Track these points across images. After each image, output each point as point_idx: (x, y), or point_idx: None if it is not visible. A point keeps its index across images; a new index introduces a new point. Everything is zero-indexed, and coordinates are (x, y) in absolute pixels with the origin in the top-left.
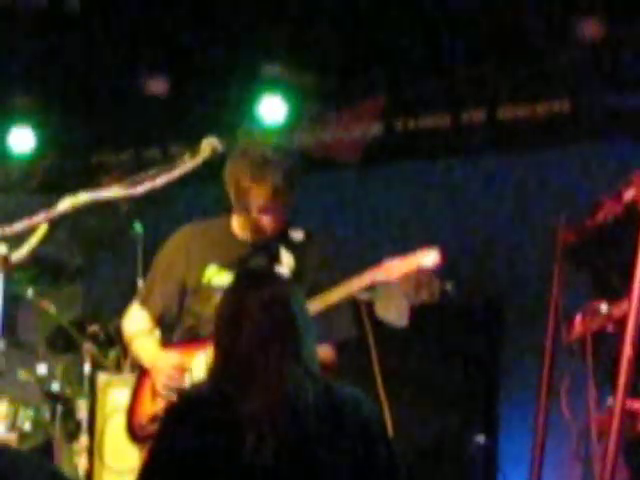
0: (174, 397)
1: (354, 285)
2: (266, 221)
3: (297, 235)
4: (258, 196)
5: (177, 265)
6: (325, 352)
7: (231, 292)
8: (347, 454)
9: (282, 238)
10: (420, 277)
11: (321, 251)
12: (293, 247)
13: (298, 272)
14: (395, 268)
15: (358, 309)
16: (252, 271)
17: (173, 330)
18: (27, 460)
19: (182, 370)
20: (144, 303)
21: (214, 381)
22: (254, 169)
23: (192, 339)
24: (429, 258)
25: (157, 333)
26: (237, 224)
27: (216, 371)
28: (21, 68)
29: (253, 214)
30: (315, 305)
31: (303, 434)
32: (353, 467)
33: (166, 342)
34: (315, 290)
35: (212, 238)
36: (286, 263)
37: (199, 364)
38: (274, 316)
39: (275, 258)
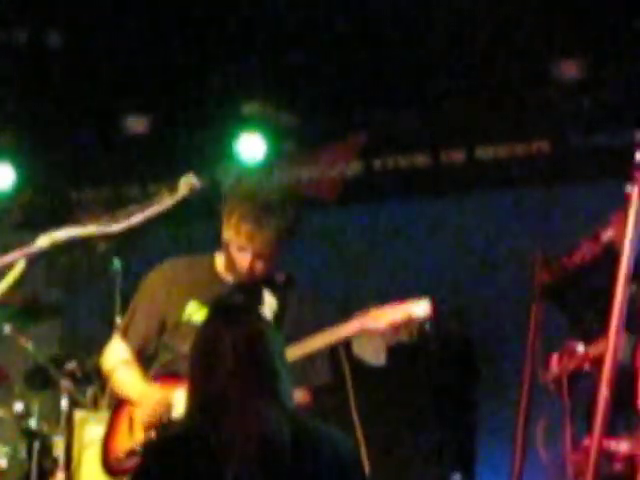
0: (154, 433)
1: (342, 331)
2: (259, 266)
3: (280, 277)
4: (258, 243)
5: (158, 299)
6: (300, 395)
7: (205, 328)
8: None
9: (266, 280)
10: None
11: (303, 293)
12: (276, 289)
13: (281, 313)
14: (386, 316)
15: (335, 347)
16: (226, 306)
17: (149, 364)
18: None
19: (166, 405)
20: (124, 336)
21: (191, 418)
22: (258, 215)
23: (171, 375)
24: (421, 309)
25: (137, 366)
26: (222, 263)
27: (192, 407)
28: (1, 104)
29: (248, 258)
30: (301, 349)
31: (280, 471)
32: None
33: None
34: (298, 330)
35: (195, 275)
36: (268, 304)
37: (179, 400)
38: (249, 352)
39: (258, 299)
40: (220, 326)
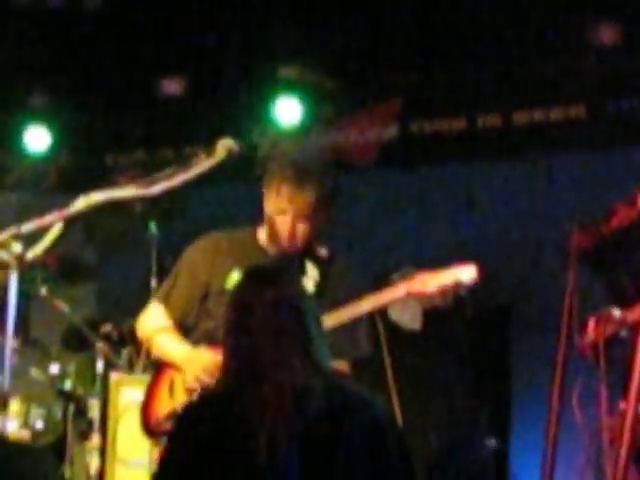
0: (196, 395)
1: (389, 295)
2: (301, 229)
3: (322, 251)
4: (299, 203)
5: (201, 268)
6: (339, 365)
7: (237, 291)
8: (359, 452)
9: (308, 253)
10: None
11: (346, 269)
12: (319, 262)
13: (322, 286)
14: (432, 281)
15: (372, 312)
16: (258, 269)
17: (189, 333)
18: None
19: (216, 367)
20: (164, 302)
21: (226, 381)
22: (298, 177)
23: (212, 344)
24: (467, 274)
25: (178, 332)
26: (264, 235)
27: (227, 371)
28: (37, 67)
29: (289, 220)
30: (346, 314)
31: (314, 433)
32: (365, 466)
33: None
34: (340, 301)
35: (238, 246)
36: (311, 276)
37: None
38: (281, 313)
39: (301, 270)
40: (251, 289)
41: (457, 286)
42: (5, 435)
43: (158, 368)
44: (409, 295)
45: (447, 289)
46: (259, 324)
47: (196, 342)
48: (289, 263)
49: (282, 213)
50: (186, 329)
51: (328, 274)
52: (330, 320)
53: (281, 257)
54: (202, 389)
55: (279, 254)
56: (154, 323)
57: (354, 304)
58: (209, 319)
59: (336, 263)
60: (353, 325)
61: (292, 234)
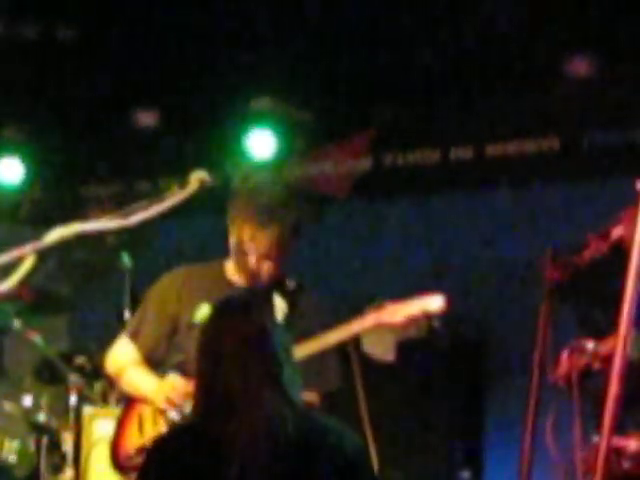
0: (164, 429)
1: (357, 326)
2: (265, 267)
3: (291, 284)
4: (261, 243)
5: (169, 303)
6: (310, 397)
7: (208, 323)
8: None
9: (277, 285)
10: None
11: (314, 300)
12: (287, 294)
13: (291, 318)
14: (401, 310)
15: (345, 344)
16: (227, 301)
17: (158, 367)
18: None
19: (186, 390)
20: (133, 338)
21: (197, 414)
22: (261, 215)
23: (182, 376)
24: (435, 303)
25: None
26: (232, 269)
27: (198, 403)
28: (10, 98)
29: (252, 259)
30: (316, 344)
31: (285, 465)
32: None
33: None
34: (308, 334)
35: (206, 280)
36: (279, 308)
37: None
38: (250, 345)
39: (268, 302)
40: (222, 321)
41: (425, 315)
42: None
43: (127, 403)
44: (378, 326)
45: (415, 319)
46: (229, 356)
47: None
48: (258, 295)
49: (245, 252)
50: (155, 363)
51: (296, 306)
52: (299, 351)
53: (250, 290)
54: (174, 414)
55: (247, 287)
56: (124, 359)
57: (323, 335)
58: (178, 353)
59: (305, 296)
60: (322, 358)
61: (256, 273)
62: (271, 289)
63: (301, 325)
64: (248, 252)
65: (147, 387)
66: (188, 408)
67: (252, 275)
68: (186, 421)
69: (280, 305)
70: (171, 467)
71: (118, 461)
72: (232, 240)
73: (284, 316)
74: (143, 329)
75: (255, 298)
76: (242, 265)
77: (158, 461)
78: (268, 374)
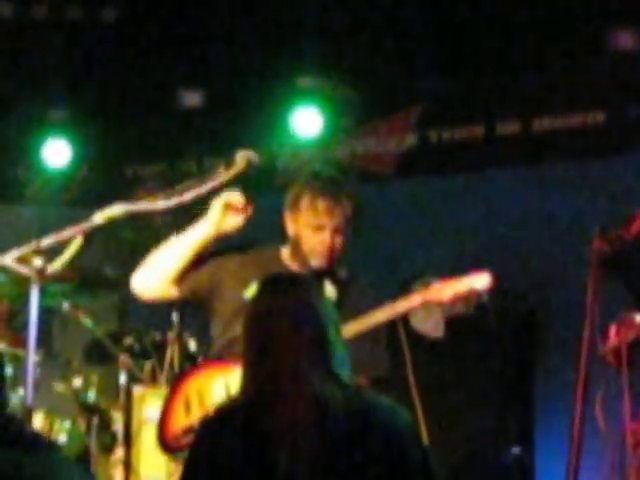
0: (211, 410)
1: (404, 305)
2: (339, 242)
3: (342, 274)
4: (337, 217)
5: (224, 270)
6: (358, 380)
7: (256, 299)
8: (381, 464)
9: (328, 273)
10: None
11: (366, 290)
12: (338, 282)
13: (340, 303)
14: (447, 289)
15: (394, 321)
16: (275, 277)
17: (210, 344)
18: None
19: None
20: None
21: (245, 395)
22: (334, 190)
23: (235, 354)
24: (481, 281)
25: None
26: (288, 255)
27: (246, 384)
28: (57, 81)
29: (327, 234)
30: (364, 322)
31: (335, 448)
32: (388, 477)
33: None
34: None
35: (262, 263)
36: (329, 295)
37: (235, 378)
38: (300, 322)
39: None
40: (270, 298)
41: (472, 294)
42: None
43: (173, 384)
44: (424, 304)
45: (462, 297)
46: (277, 334)
47: (219, 351)
48: (307, 276)
49: (319, 229)
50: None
51: (346, 296)
52: (346, 331)
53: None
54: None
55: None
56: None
57: (371, 314)
58: (231, 329)
59: (355, 285)
60: (372, 343)
61: (331, 249)
62: (323, 275)
63: (350, 315)
64: (324, 228)
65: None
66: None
67: (328, 251)
68: (234, 401)
69: (330, 290)
70: (219, 448)
71: (165, 442)
72: (298, 221)
73: (333, 301)
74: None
75: (305, 276)
76: (311, 246)
77: (206, 442)
78: (317, 353)
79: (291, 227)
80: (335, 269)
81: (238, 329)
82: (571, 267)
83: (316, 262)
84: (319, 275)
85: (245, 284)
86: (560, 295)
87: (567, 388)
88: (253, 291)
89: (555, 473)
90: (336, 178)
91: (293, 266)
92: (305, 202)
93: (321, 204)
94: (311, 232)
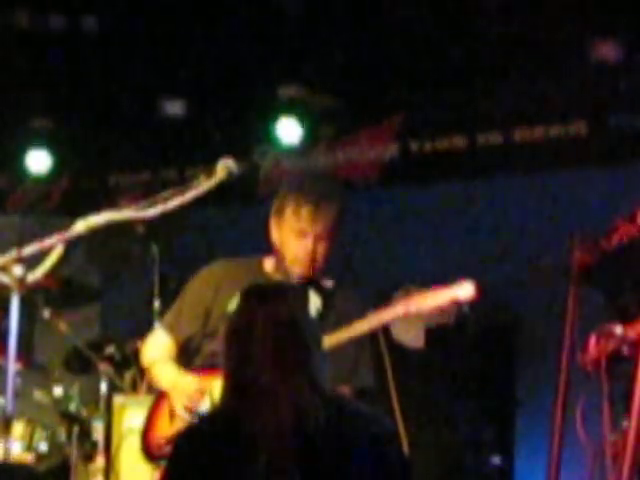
0: (192, 419)
1: (386, 315)
2: (321, 249)
3: (327, 283)
4: (321, 223)
5: (205, 296)
6: (342, 390)
7: (238, 307)
8: (361, 471)
9: (312, 282)
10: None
11: (351, 300)
12: (322, 292)
13: (325, 312)
14: (429, 299)
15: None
16: (256, 287)
17: (193, 357)
18: None
19: (201, 392)
20: (169, 330)
21: (225, 403)
22: (317, 197)
23: (213, 365)
24: (465, 291)
25: (176, 361)
26: (270, 265)
27: (226, 392)
28: (38, 90)
29: (309, 242)
30: (345, 333)
31: (314, 454)
32: None
33: (187, 368)
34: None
35: (243, 275)
36: (313, 305)
37: (218, 386)
38: (279, 331)
39: (303, 297)
40: (252, 306)
41: (455, 304)
42: (8, 458)
43: (159, 393)
44: (407, 314)
45: (445, 307)
46: (258, 342)
47: (200, 365)
48: (289, 285)
49: (302, 236)
50: (190, 354)
51: (331, 305)
52: (329, 341)
53: (282, 280)
54: (190, 415)
55: (283, 280)
56: (155, 352)
57: (353, 324)
58: (212, 342)
59: (340, 294)
60: (356, 354)
61: (314, 256)
62: (307, 285)
63: (334, 324)
64: (306, 234)
65: (167, 383)
66: (205, 406)
67: (310, 258)
68: (215, 408)
69: (315, 302)
70: (200, 456)
71: (149, 450)
72: (283, 228)
73: (318, 313)
74: (179, 322)
75: (286, 285)
76: (294, 253)
77: (187, 450)
78: (297, 361)
79: (275, 234)
80: (319, 278)
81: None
82: (551, 278)
83: (299, 270)
84: (303, 284)
85: (227, 299)
86: (541, 305)
87: (547, 398)
88: (234, 302)
89: None
90: (321, 185)
91: (276, 276)
92: (289, 208)
93: (305, 210)
94: (294, 238)
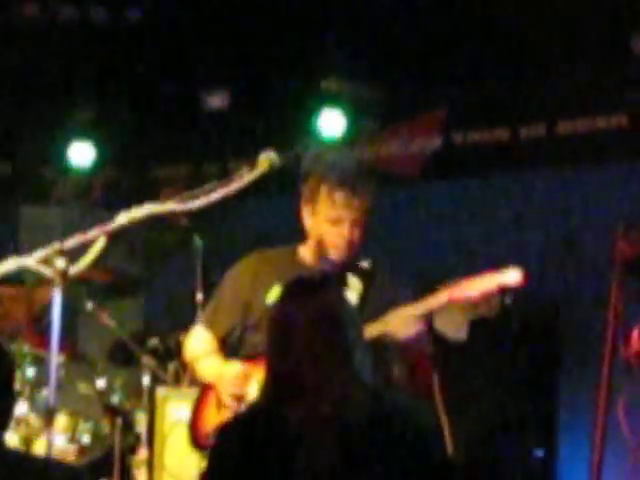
0: (240, 408)
1: (432, 302)
2: (357, 235)
3: (365, 264)
4: (356, 209)
5: (243, 289)
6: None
7: (279, 304)
8: (401, 466)
9: (351, 266)
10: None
11: (390, 278)
12: (361, 275)
13: (366, 298)
14: (475, 286)
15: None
16: (298, 282)
17: (235, 351)
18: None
19: (248, 378)
20: (209, 325)
21: (266, 396)
22: (352, 182)
23: (257, 354)
24: (511, 277)
25: (220, 354)
26: (306, 252)
27: (267, 386)
28: (81, 82)
29: (345, 228)
30: (392, 318)
31: (353, 449)
32: (408, 477)
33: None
34: (384, 311)
35: (279, 264)
36: (354, 289)
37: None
38: (322, 326)
39: (343, 283)
40: (292, 302)
41: (501, 290)
42: (51, 450)
43: (204, 385)
44: (452, 300)
45: (490, 293)
46: (299, 337)
47: (244, 356)
48: (329, 277)
49: (338, 222)
50: (232, 348)
51: (371, 287)
52: (375, 328)
53: (321, 271)
54: (238, 404)
55: (321, 269)
56: (198, 347)
57: (398, 311)
58: (255, 333)
59: (379, 275)
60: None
61: (351, 241)
62: (346, 269)
63: (375, 305)
64: (341, 220)
65: (211, 375)
66: (252, 393)
67: (347, 244)
68: (256, 403)
69: (355, 285)
70: (241, 449)
71: (197, 440)
72: (317, 215)
73: (359, 296)
74: (218, 317)
75: (326, 279)
76: (330, 239)
77: (228, 443)
78: (339, 357)
79: (308, 221)
80: (356, 260)
81: (262, 332)
82: (595, 270)
83: (336, 256)
84: (341, 268)
85: (266, 291)
86: (584, 298)
87: (591, 391)
88: (276, 294)
89: (578, 476)
90: (353, 169)
91: (311, 263)
92: (322, 194)
93: (339, 196)
94: (329, 226)
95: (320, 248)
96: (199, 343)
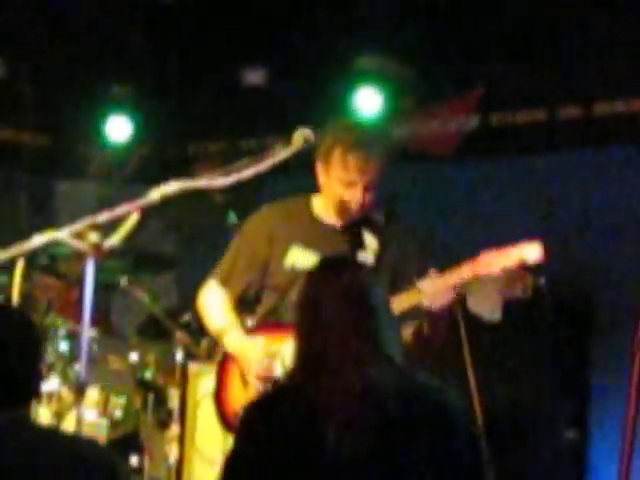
0: (266, 387)
1: (454, 278)
2: (368, 198)
3: (378, 217)
4: (369, 173)
5: (260, 246)
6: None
7: (309, 283)
8: (429, 446)
9: (365, 221)
10: (514, 272)
11: (403, 227)
12: (376, 229)
13: (383, 251)
14: (496, 261)
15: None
16: (329, 260)
17: (253, 307)
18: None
19: (272, 357)
20: (225, 283)
21: (294, 376)
22: (366, 145)
23: (277, 324)
24: (532, 252)
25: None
26: (320, 205)
27: (296, 365)
28: (119, 57)
29: (359, 191)
30: (414, 296)
31: (382, 429)
32: (434, 463)
33: (249, 316)
34: (402, 265)
35: (294, 219)
36: (369, 245)
37: (288, 351)
38: (351, 307)
39: (359, 242)
40: (322, 279)
41: (522, 265)
42: (81, 424)
43: (223, 357)
44: (476, 276)
45: (511, 270)
46: (328, 315)
47: (264, 318)
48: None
49: (351, 185)
50: (249, 301)
51: (386, 239)
52: (400, 302)
53: (340, 231)
54: (264, 384)
55: (335, 226)
56: (217, 314)
57: (422, 285)
58: (272, 296)
59: (393, 227)
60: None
61: (363, 204)
62: (360, 225)
63: (392, 258)
64: (354, 184)
65: (238, 351)
66: (278, 372)
67: (340, 207)
68: (284, 382)
69: (370, 242)
70: (267, 432)
71: (226, 419)
72: (330, 176)
73: (375, 253)
74: (234, 274)
75: (357, 260)
76: (344, 201)
77: (254, 425)
78: (368, 338)
79: (322, 178)
80: (368, 215)
81: (284, 296)
82: (632, 252)
83: (348, 215)
84: (355, 225)
85: (283, 249)
86: (620, 280)
87: (623, 374)
88: (293, 257)
89: (609, 458)
90: (367, 132)
91: (325, 217)
92: (336, 156)
93: (352, 160)
94: (342, 188)
95: (332, 205)
96: (216, 299)
